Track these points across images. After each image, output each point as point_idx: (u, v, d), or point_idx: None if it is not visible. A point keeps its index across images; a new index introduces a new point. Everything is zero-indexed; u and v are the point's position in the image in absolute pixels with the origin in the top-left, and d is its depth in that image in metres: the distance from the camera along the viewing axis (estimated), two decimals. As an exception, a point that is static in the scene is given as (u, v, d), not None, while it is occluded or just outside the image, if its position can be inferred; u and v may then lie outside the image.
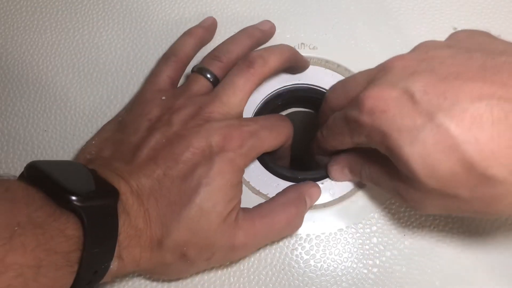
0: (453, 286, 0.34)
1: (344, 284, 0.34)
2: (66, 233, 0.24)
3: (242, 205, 0.33)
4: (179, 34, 0.41)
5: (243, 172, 0.32)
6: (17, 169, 0.39)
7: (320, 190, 0.36)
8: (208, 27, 0.41)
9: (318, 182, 0.37)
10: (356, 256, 0.35)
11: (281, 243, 0.35)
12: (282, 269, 0.35)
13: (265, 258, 0.35)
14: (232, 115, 0.34)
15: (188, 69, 0.39)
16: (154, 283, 0.35)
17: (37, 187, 0.25)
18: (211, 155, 0.30)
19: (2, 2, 0.45)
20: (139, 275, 0.35)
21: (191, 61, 0.40)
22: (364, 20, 0.42)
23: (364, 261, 0.35)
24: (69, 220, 0.24)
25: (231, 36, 0.39)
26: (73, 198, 0.24)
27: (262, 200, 0.36)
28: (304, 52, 0.40)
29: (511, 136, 0.22)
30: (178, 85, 0.38)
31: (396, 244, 0.35)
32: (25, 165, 0.26)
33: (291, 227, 0.34)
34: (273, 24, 0.41)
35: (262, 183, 0.37)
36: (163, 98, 0.35)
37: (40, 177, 0.25)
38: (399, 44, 0.40)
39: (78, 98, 0.41)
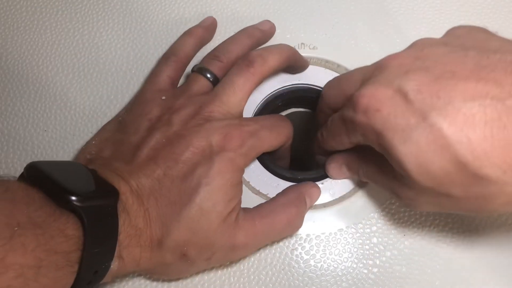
0: (453, 286, 0.34)
1: (344, 284, 0.34)
2: (66, 233, 0.24)
3: (242, 205, 0.33)
4: (179, 34, 0.41)
5: (243, 172, 0.32)
6: (17, 169, 0.39)
7: (320, 190, 0.36)
8: (208, 27, 0.41)
9: (318, 182, 0.37)
10: (356, 256, 0.35)
11: (281, 243, 0.35)
12: (282, 269, 0.35)
13: (265, 258, 0.35)
14: (232, 114, 0.34)
15: (188, 69, 0.39)
16: (154, 283, 0.35)
17: (37, 188, 0.25)
18: (211, 155, 0.30)
19: (2, 2, 0.45)
20: (139, 275, 0.35)
21: (191, 61, 0.40)
22: (364, 20, 0.42)
23: (364, 261, 0.35)
24: (69, 220, 0.24)
25: (231, 36, 0.39)
26: (73, 198, 0.24)
27: (262, 200, 0.36)
28: (304, 52, 0.40)
29: (504, 136, 0.22)
30: (178, 85, 0.38)
31: (396, 244, 0.35)
32: (25, 165, 0.26)
33: (292, 227, 0.34)
34: (273, 24, 0.41)
35: (262, 183, 0.37)
36: (163, 98, 0.35)
37: (40, 178, 0.25)
38: (399, 44, 0.40)
39: (78, 98, 0.41)
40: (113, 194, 0.27)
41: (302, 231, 0.35)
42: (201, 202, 0.29)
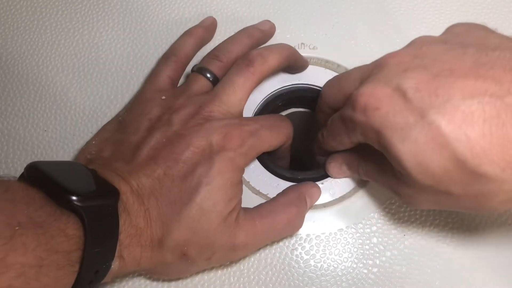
0: (453, 286, 0.34)
1: (344, 284, 0.34)
2: (67, 233, 0.24)
3: (242, 205, 0.33)
4: (179, 34, 0.41)
5: (243, 171, 0.32)
6: (17, 169, 0.39)
7: (320, 190, 0.36)
8: (208, 27, 0.41)
9: (318, 182, 0.37)
10: (356, 256, 0.35)
11: (281, 243, 0.35)
12: (282, 269, 0.35)
13: (265, 258, 0.35)
14: (232, 114, 0.34)
15: (188, 68, 0.39)
16: (154, 283, 0.35)
17: (38, 188, 0.25)
18: (211, 154, 0.30)
19: (2, 2, 0.45)
20: (139, 275, 0.35)
21: (191, 61, 0.40)
22: (364, 20, 0.42)
23: (364, 261, 0.35)
24: (69, 220, 0.24)
25: (231, 36, 0.39)
26: (74, 198, 0.24)
27: (262, 200, 0.36)
28: (304, 52, 0.40)
29: (502, 134, 0.22)
30: (178, 84, 0.38)
31: (396, 244, 0.35)
32: (25, 165, 0.26)
33: (292, 227, 0.34)
34: (273, 24, 0.41)
35: (262, 183, 0.37)
36: (163, 97, 0.35)
37: (40, 178, 0.25)
38: (399, 44, 0.40)
39: (78, 98, 0.41)
40: (113, 194, 0.27)
41: (302, 231, 0.35)
42: (202, 202, 0.29)
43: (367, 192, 0.36)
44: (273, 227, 0.33)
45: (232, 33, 0.40)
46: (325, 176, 0.37)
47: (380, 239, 0.35)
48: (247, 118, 0.34)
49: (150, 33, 0.42)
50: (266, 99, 0.40)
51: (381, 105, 0.26)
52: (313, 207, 0.36)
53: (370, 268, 0.35)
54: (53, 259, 0.23)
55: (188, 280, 0.35)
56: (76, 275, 0.24)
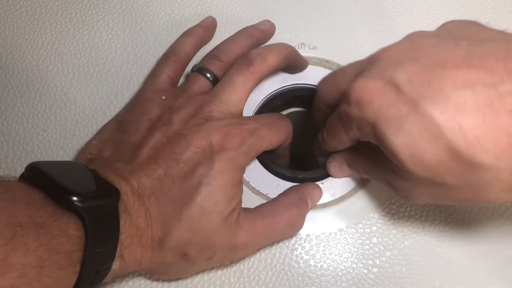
0: (453, 286, 0.34)
1: (344, 284, 0.34)
2: (68, 233, 0.24)
3: (242, 206, 0.33)
4: (179, 34, 0.41)
5: (243, 171, 0.32)
6: (17, 169, 0.39)
7: (322, 191, 0.36)
8: (207, 27, 0.41)
9: (318, 182, 0.37)
10: (356, 256, 0.35)
11: (281, 243, 0.35)
12: (282, 269, 0.35)
13: (265, 258, 0.35)
14: (232, 113, 0.34)
15: (188, 68, 0.39)
16: (154, 283, 0.35)
17: (38, 188, 0.25)
18: (212, 154, 0.31)
19: (2, 2, 0.45)
20: (139, 275, 0.35)
21: (191, 60, 0.40)
22: (364, 20, 0.42)
23: (364, 261, 0.35)
24: (70, 221, 0.24)
25: (230, 36, 0.39)
26: (74, 198, 0.24)
27: (262, 200, 0.36)
28: (304, 52, 0.40)
29: (496, 121, 0.22)
30: (178, 84, 0.38)
31: (396, 244, 0.35)
32: (25, 165, 0.26)
33: (293, 228, 0.34)
34: (273, 24, 0.41)
35: (262, 183, 0.37)
36: (163, 97, 0.35)
37: (40, 178, 0.25)
38: (399, 44, 0.40)
39: (78, 98, 0.41)
40: (114, 194, 0.27)
41: (302, 231, 0.35)
42: (202, 202, 0.29)
43: (367, 192, 0.36)
44: (274, 228, 0.33)
45: (232, 33, 0.40)
46: (325, 176, 0.37)
47: (380, 239, 0.35)
48: (247, 117, 0.34)
49: (150, 33, 0.42)
50: (266, 98, 0.40)
51: (374, 98, 0.26)
52: (313, 207, 0.36)
53: (370, 268, 0.35)
54: (54, 259, 0.23)
55: (188, 280, 0.35)
56: (77, 276, 0.24)
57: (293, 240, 0.35)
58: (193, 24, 0.41)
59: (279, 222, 0.33)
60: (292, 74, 0.40)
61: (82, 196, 0.25)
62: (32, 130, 0.40)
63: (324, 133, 0.33)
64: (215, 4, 0.43)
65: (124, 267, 0.28)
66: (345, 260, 0.35)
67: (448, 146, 0.23)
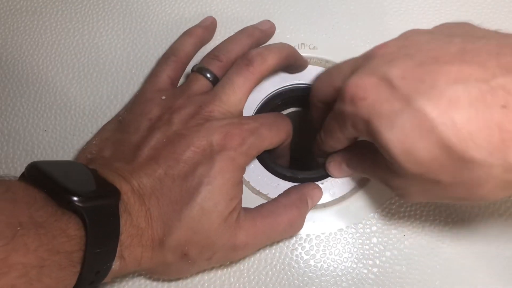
0: (453, 286, 0.34)
1: (344, 284, 0.34)
2: (68, 233, 0.24)
3: (242, 206, 0.33)
4: (179, 34, 0.41)
5: (244, 170, 0.32)
6: (17, 169, 0.39)
7: (322, 192, 0.36)
8: (207, 27, 0.41)
9: (318, 182, 0.37)
10: (356, 256, 0.35)
11: (281, 243, 0.35)
12: (282, 269, 0.35)
13: (265, 258, 0.35)
14: (232, 113, 0.34)
15: (188, 68, 0.39)
16: (154, 283, 0.35)
17: (38, 188, 0.25)
18: (212, 154, 0.31)
19: (2, 2, 0.45)
20: (139, 275, 0.35)
21: (191, 60, 0.40)
22: (364, 20, 0.42)
23: (364, 261, 0.35)
24: (70, 221, 0.24)
25: (230, 36, 0.39)
26: (75, 198, 0.24)
27: (262, 200, 0.36)
28: (304, 52, 0.40)
29: (488, 116, 0.22)
30: (178, 84, 0.38)
31: (396, 244, 0.35)
32: (25, 165, 0.26)
33: (293, 228, 0.34)
34: (273, 24, 0.41)
35: (262, 183, 0.37)
36: (163, 97, 0.35)
37: (41, 178, 0.25)
38: (399, 44, 0.40)
39: (78, 98, 0.41)
40: (114, 194, 0.27)
41: (302, 231, 0.35)
42: (202, 202, 0.29)
43: (367, 192, 0.36)
44: (274, 228, 0.33)
45: (232, 33, 0.40)
46: (325, 176, 0.37)
47: (380, 239, 0.35)
48: (247, 117, 0.34)
49: (150, 33, 0.42)
50: (266, 98, 0.40)
51: (368, 95, 0.26)
52: (313, 207, 0.36)
53: (370, 268, 0.35)
54: (55, 259, 0.23)
55: (188, 280, 0.35)
56: (77, 276, 0.24)
57: (293, 240, 0.35)
58: (193, 24, 0.41)
59: (279, 222, 0.33)
60: (292, 74, 0.40)
61: (83, 196, 0.24)
62: (32, 130, 0.40)
63: (322, 133, 0.33)
64: (215, 4, 0.43)
65: (124, 267, 0.28)
66: (345, 260, 0.35)
67: (441, 142, 0.23)
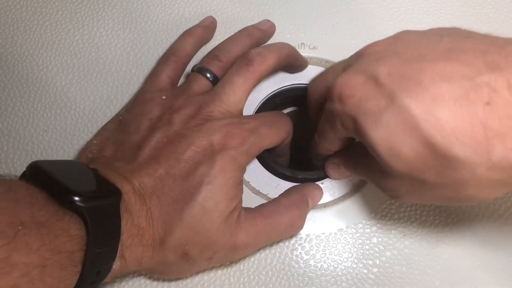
0: (453, 286, 0.34)
1: (344, 284, 0.34)
2: (70, 233, 0.24)
3: (242, 205, 0.33)
4: (179, 34, 0.41)
5: (244, 170, 0.32)
6: (17, 169, 0.39)
7: (322, 192, 0.36)
8: (207, 27, 0.41)
9: (318, 182, 0.37)
10: (356, 256, 0.35)
11: (281, 243, 0.35)
12: (282, 269, 0.35)
13: (265, 258, 0.35)
14: (232, 113, 0.34)
15: (188, 68, 0.39)
16: (155, 283, 0.35)
17: (40, 187, 0.25)
18: (213, 154, 0.31)
19: (2, 2, 0.45)
20: (140, 274, 0.35)
21: (191, 60, 0.40)
22: (364, 20, 0.42)
23: (364, 261, 0.35)
24: (72, 220, 0.24)
25: (230, 36, 0.39)
26: (76, 198, 0.24)
27: (262, 200, 0.36)
28: (304, 52, 0.40)
29: (472, 113, 0.22)
30: (178, 84, 0.38)
31: (396, 244, 0.35)
32: (25, 165, 0.26)
33: (293, 228, 0.34)
34: (273, 24, 0.41)
35: (262, 183, 0.37)
36: (164, 97, 0.35)
37: (42, 177, 0.25)
38: (399, 44, 0.40)
39: (78, 98, 0.41)
40: (115, 194, 0.27)
41: (302, 231, 0.35)
42: (203, 201, 0.29)
43: (367, 192, 0.36)
44: (274, 228, 0.33)
45: (232, 33, 0.40)
46: (325, 176, 0.37)
47: (380, 239, 0.35)
48: (247, 116, 0.34)
49: (150, 33, 0.42)
50: (266, 98, 0.40)
51: (355, 93, 0.26)
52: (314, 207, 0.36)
53: (370, 268, 0.35)
54: (56, 259, 0.23)
55: (188, 280, 0.35)
56: (78, 276, 0.24)
57: (293, 240, 0.35)
58: (193, 24, 0.41)
59: (279, 222, 0.33)
60: (292, 73, 0.40)
61: (84, 196, 0.24)
62: (32, 130, 0.40)
63: (316, 135, 0.34)
64: (215, 4, 0.43)
65: (125, 267, 0.28)
66: (345, 260, 0.35)
67: (424, 139, 0.23)
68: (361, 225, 0.36)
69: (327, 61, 0.40)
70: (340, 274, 0.35)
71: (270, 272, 0.35)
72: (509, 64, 0.22)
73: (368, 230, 0.35)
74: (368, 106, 0.25)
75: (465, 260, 0.34)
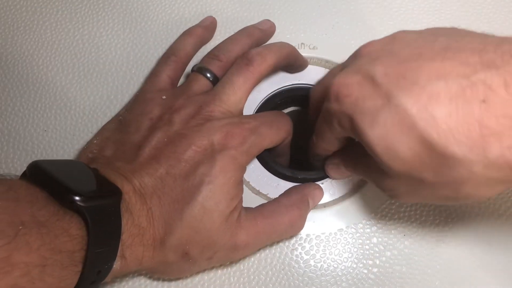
0: (453, 286, 0.34)
1: (344, 284, 0.34)
2: (70, 233, 0.24)
3: (243, 205, 0.33)
4: (179, 34, 0.41)
5: (245, 169, 0.32)
6: (17, 169, 0.39)
7: (323, 192, 0.36)
8: (207, 27, 0.41)
9: (318, 182, 0.37)
10: (356, 256, 0.35)
11: (281, 243, 0.35)
12: (282, 269, 0.35)
13: (265, 258, 0.35)
14: (232, 113, 0.34)
15: (188, 68, 0.39)
16: (155, 283, 0.35)
17: (40, 187, 0.25)
18: (213, 153, 0.31)
19: (2, 2, 0.45)
20: (140, 274, 0.35)
21: (191, 60, 0.40)
22: (364, 20, 0.42)
23: (364, 261, 0.35)
24: (72, 220, 0.24)
25: (230, 36, 0.39)
26: (77, 198, 0.24)
27: (262, 200, 0.36)
28: (304, 52, 0.40)
29: (468, 111, 0.22)
30: (178, 84, 0.38)
31: (396, 244, 0.35)
32: (25, 165, 0.26)
33: (294, 228, 0.34)
34: (273, 24, 0.41)
35: (262, 183, 0.37)
36: (164, 97, 0.35)
37: (43, 177, 0.25)
38: (399, 44, 0.40)
39: (78, 98, 0.41)
40: (116, 193, 0.27)
41: (302, 231, 0.35)
42: (204, 201, 0.29)
43: (367, 192, 0.36)
44: (274, 228, 0.33)
45: (232, 33, 0.40)
46: (325, 176, 0.37)
47: (380, 239, 0.35)
48: (247, 116, 0.34)
49: (150, 33, 0.42)
50: (266, 98, 0.40)
51: (351, 92, 0.26)
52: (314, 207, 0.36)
53: (370, 268, 0.35)
54: (57, 258, 0.23)
55: (188, 280, 0.35)
56: (79, 275, 0.24)
57: (293, 240, 0.35)
58: (193, 24, 0.41)
59: (280, 222, 0.33)
60: (292, 73, 0.40)
61: (85, 195, 0.24)
62: (32, 130, 0.40)
63: (314, 136, 0.34)
64: (215, 4, 0.43)
65: (125, 267, 0.28)
66: (345, 260, 0.35)
67: (421, 138, 0.23)
68: (361, 225, 0.36)
69: (327, 61, 0.40)
70: (340, 274, 0.35)
71: (270, 272, 0.35)
72: (505, 63, 0.22)
73: (368, 230, 0.35)
74: (365, 106, 0.25)
75: (465, 260, 0.34)
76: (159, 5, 0.43)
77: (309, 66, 0.40)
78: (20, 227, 0.22)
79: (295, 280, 0.35)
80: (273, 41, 0.41)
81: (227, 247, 0.31)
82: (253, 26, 0.41)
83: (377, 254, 0.35)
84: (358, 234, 0.35)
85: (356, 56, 0.29)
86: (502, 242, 0.35)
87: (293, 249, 0.35)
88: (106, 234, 0.26)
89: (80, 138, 0.39)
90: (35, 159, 0.38)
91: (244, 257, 0.35)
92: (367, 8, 0.42)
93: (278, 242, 0.35)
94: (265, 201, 0.35)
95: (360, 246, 0.35)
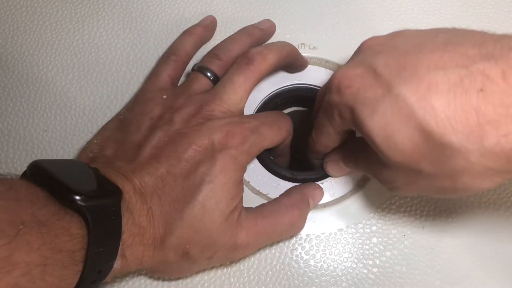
0: (453, 286, 0.34)
1: (344, 284, 0.34)
2: (71, 232, 0.24)
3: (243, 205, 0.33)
4: (179, 34, 0.41)
5: (245, 169, 0.32)
6: (17, 169, 0.39)
7: (323, 192, 0.36)
8: (207, 26, 0.41)
9: (318, 182, 0.37)
10: (356, 256, 0.35)
11: (281, 243, 0.35)
12: (282, 269, 0.35)
13: (265, 258, 0.35)
14: (233, 112, 0.34)
15: (188, 68, 0.39)
16: (155, 283, 0.35)
17: (41, 186, 0.25)
18: (214, 153, 0.31)
19: (2, 2, 0.45)
20: (140, 274, 0.35)
21: (191, 60, 0.40)
22: (364, 20, 0.42)
23: (364, 261, 0.35)
24: (73, 219, 0.24)
25: (231, 35, 0.39)
26: (77, 197, 0.24)
27: (262, 200, 0.36)
28: (304, 52, 0.40)
29: (465, 100, 0.22)
30: (179, 83, 0.38)
31: (396, 244, 0.35)
32: (25, 165, 0.26)
33: (294, 228, 0.34)
34: (273, 23, 0.41)
35: (262, 183, 0.37)
36: (164, 97, 0.35)
37: (43, 176, 0.25)
38: (399, 44, 0.40)
39: (78, 98, 0.41)
40: (116, 193, 0.27)
41: (302, 231, 0.35)
42: (204, 200, 0.29)
43: (367, 192, 0.36)
44: (275, 228, 0.33)
45: (232, 33, 0.40)
46: (325, 176, 0.37)
47: (380, 239, 0.35)
48: (247, 116, 0.34)
49: (150, 33, 0.42)
50: (266, 98, 0.40)
51: (353, 83, 0.26)
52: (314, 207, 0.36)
53: (370, 268, 0.35)
54: (57, 258, 0.23)
55: (188, 280, 0.35)
56: (79, 275, 0.24)
57: (293, 240, 0.35)
58: (193, 24, 0.41)
59: (280, 222, 0.33)
60: (292, 73, 0.40)
61: (85, 195, 0.24)
62: (32, 130, 0.40)
63: (313, 132, 0.34)
64: (215, 4, 0.43)
65: (126, 266, 0.28)
66: (345, 260, 0.35)
67: (420, 127, 0.23)
68: (361, 225, 0.36)
69: (327, 61, 0.40)
70: (340, 274, 0.35)
71: (270, 272, 0.35)
72: (504, 55, 0.22)
73: (368, 230, 0.35)
74: (366, 96, 0.25)
75: (465, 260, 0.35)
76: (159, 5, 0.43)
77: (309, 66, 0.40)
78: (21, 227, 0.22)
79: (295, 280, 0.35)
80: (273, 41, 0.41)
81: (227, 246, 0.31)
82: (253, 25, 0.41)
83: (377, 254, 0.35)
84: (358, 234, 0.35)
85: (359, 50, 0.29)
86: (502, 242, 0.35)
87: (293, 249, 0.35)
88: (107, 233, 0.26)
89: (80, 138, 0.39)
90: (35, 159, 0.38)
91: (244, 257, 0.35)
92: (367, 8, 0.42)
93: (278, 242, 0.35)
94: (265, 201, 0.35)
95: (360, 246, 0.35)
